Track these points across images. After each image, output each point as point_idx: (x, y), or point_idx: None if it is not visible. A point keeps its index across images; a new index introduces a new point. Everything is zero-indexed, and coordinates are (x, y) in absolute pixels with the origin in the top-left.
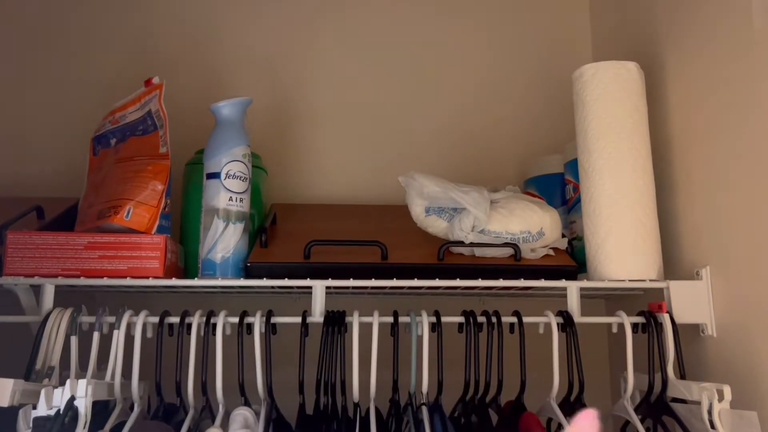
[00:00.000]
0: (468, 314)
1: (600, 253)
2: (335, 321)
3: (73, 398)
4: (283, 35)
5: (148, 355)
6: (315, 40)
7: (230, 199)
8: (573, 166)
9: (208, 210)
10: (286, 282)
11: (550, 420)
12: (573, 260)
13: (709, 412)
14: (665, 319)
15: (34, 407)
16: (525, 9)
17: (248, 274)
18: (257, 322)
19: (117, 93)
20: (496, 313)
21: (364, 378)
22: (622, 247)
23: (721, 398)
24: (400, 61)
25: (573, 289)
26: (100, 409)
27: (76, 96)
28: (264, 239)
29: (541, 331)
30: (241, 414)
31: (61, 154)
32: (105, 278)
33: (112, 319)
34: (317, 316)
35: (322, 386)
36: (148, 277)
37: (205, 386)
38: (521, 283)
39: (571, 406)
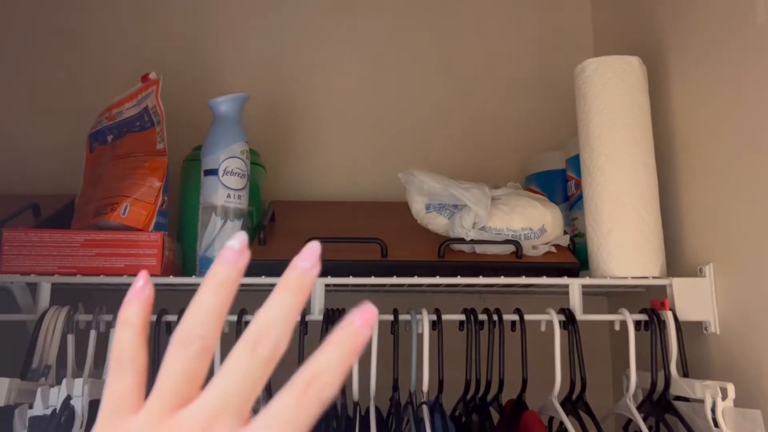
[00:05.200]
0: (469, 312)
1: (602, 250)
2: (335, 319)
3: (69, 397)
4: (282, 31)
5: None
6: (314, 36)
7: (228, 196)
8: (575, 162)
9: (205, 207)
10: None
11: (551, 419)
12: (575, 257)
13: (713, 411)
14: (668, 316)
15: (31, 406)
16: (526, 4)
17: (246, 271)
18: None
19: (113, 89)
20: (498, 311)
21: (363, 376)
22: (625, 244)
23: (724, 396)
24: (399, 56)
25: (575, 286)
26: (97, 409)
27: (73, 92)
28: (262, 236)
29: (542, 328)
30: None
31: (58, 151)
32: (102, 276)
33: (109, 317)
34: (316, 314)
35: None
36: None
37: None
38: (522, 280)
39: (573, 405)
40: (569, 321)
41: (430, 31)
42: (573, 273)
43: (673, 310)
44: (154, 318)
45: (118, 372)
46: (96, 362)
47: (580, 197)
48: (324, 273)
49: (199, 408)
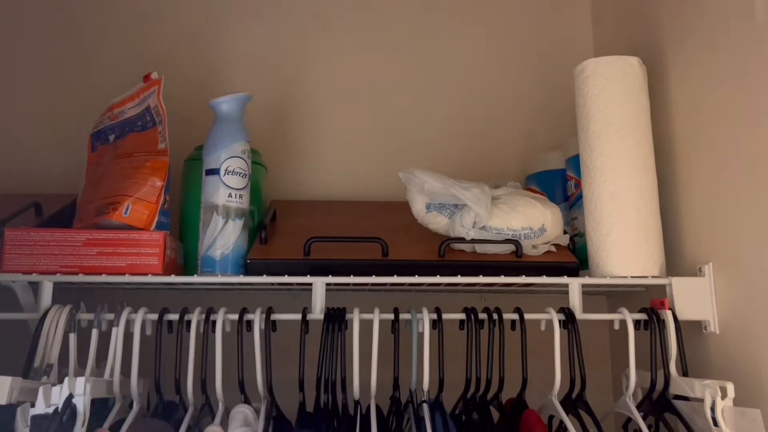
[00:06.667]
0: (469, 311)
1: (602, 249)
2: (335, 318)
3: (71, 396)
4: (284, 30)
5: (147, 353)
6: (316, 36)
7: (229, 195)
8: (575, 162)
9: (207, 206)
10: (286, 279)
11: (551, 417)
12: (575, 257)
13: (712, 410)
14: (667, 315)
15: (33, 405)
16: (526, 4)
17: (248, 270)
18: (257, 319)
19: (115, 89)
20: (498, 310)
21: (364, 375)
22: (624, 244)
23: (724, 395)
24: (400, 56)
25: (575, 285)
26: (99, 407)
27: (74, 92)
28: (264, 236)
29: (542, 328)
30: (241, 412)
31: (60, 151)
32: (104, 275)
33: (111, 316)
34: (317, 313)
35: (323, 383)
36: (147, 274)
37: (204, 384)
38: (522, 279)
39: (572, 404)
40: (569, 320)
41: (430, 31)
42: (573, 272)
43: (672, 309)
44: (155, 317)
45: None
46: (98, 361)
47: (580, 197)
48: (325, 272)
49: None
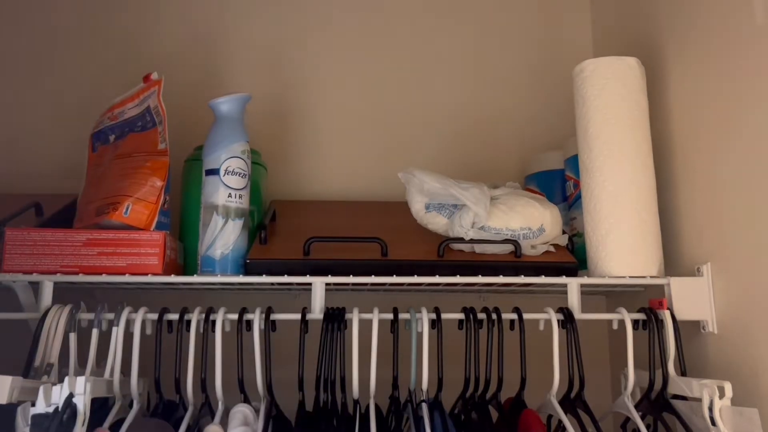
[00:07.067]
0: (468, 311)
1: (601, 249)
2: (335, 318)
3: (71, 395)
4: (283, 31)
5: (147, 352)
6: (314, 36)
7: (229, 195)
8: (573, 162)
9: (207, 206)
10: (286, 279)
11: (550, 417)
12: (573, 257)
13: (710, 409)
14: (666, 315)
15: (33, 404)
16: (525, 4)
17: (248, 270)
18: (257, 318)
19: (115, 89)
20: (497, 310)
21: (363, 375)
22: (623, 244)
23: (722, 395)
24: (400, 56)
25: (573, 285)
26: (99, 407)
27: (75, 92)
28: (263, 236)
29: (541, 327)
30: (241, 411)
31: (60, 151)
32: (104, 275)
33: (111, 315)
34: (317, 312)
35: (322, 383)
36: (147, 274)
37: (204, 383)
38: (521, 280)
39: (571, 403)
40: (568, 320)
41: (430, 31)
42: (571, 272)
43: (670, 309)
44: (155, 316)
45: None
46: (98, 360)
47: (579, 197)
48: (324, 272)
49: None
